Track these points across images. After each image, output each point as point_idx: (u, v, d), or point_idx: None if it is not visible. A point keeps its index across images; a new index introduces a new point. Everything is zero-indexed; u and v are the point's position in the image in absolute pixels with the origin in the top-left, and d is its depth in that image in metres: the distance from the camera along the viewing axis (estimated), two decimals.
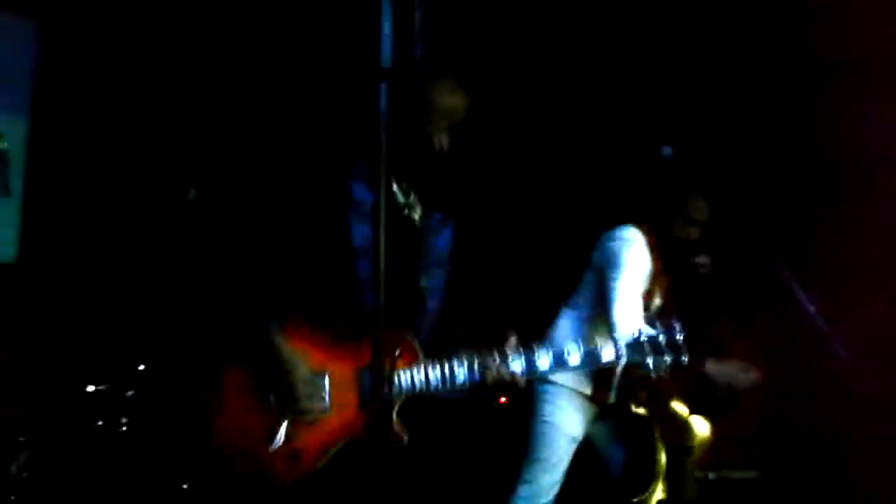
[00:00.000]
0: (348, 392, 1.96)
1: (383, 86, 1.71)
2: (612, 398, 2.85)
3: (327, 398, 1.96)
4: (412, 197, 2.10)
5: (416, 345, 1.99)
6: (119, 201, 3.84)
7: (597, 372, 2.82)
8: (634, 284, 2.75)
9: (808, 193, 3.22)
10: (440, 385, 1.96)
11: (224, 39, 3.66)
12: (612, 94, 3.66)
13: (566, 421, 2.84)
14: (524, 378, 1.99)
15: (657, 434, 2.81)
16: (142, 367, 3.32)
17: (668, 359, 2.02)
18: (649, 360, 2.02)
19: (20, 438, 3.19)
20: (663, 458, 2.79)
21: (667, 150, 2.81)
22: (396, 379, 1.93)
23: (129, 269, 3.69)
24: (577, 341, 2.05)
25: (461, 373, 1.95)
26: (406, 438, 1.94)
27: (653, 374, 2.70)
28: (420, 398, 2.00)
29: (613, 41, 3.61)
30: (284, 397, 1.96)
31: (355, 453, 1.99)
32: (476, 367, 1.96)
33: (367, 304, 2.00)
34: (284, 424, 1.95)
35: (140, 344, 3.41)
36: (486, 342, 2.03)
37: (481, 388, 1.96)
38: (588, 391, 2.84)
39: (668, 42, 3.55)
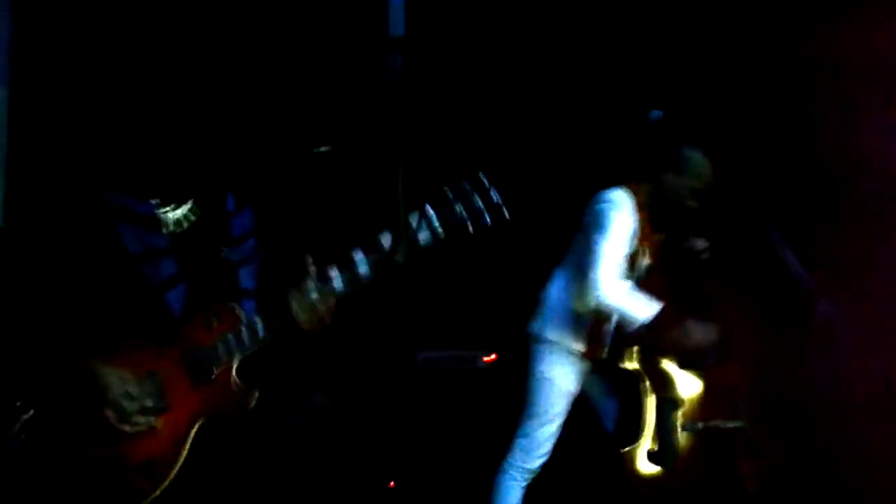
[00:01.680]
0: (181, 380, 1.94)
1: (397, 57, 1.72)
2: (604, 354, 2.95)
3: (161, 396, 1.93)
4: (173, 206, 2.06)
5: (236, 307, 1.98)
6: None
7: (589, 329, 2.92)
8: (618, 247, 2.81)
9: (808, 193, 3.27)
10: (266, 333, 1.94)
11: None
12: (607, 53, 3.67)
13: (561, 377, 2.93)
14: (340, 294, 1.93)
15: (646, 388, 2.92)
16: None
17: (479, 202, 1.89)
18: (461, 211, 1.89)
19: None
20: (652, 410, 2.90)
21: (655, 114, 2.85)
22: (222, 345, 1.93)
23: None
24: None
25: (279, 313, 1.93)
26: (252, 398, 1.94)
27: (586, 216, 2.82)
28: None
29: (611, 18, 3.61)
30: (109, 415, 1.90)
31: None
32: (288, 300, 1.93)
33: (168, 304, 1.99)
34: (118, 444, 1.89)
35: None
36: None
37: (296, 319, 1.93)
38: (582, 348, 2.93)
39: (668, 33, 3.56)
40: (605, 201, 2.87)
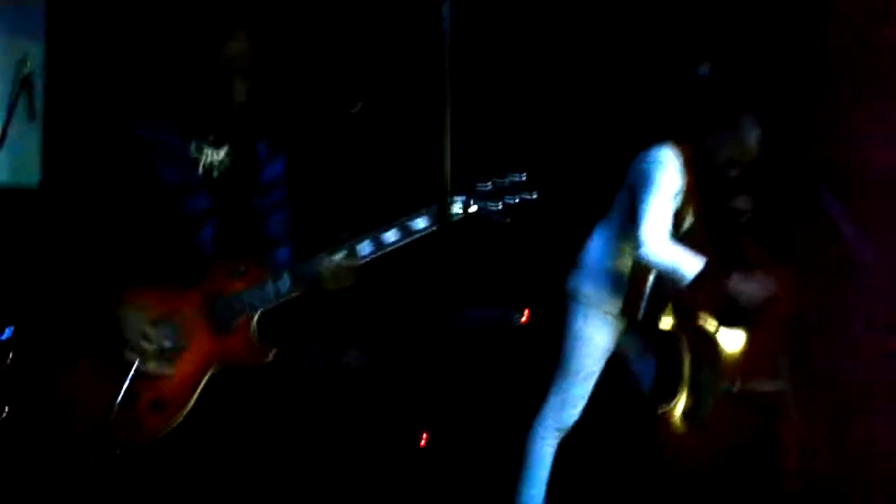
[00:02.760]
0: (200, 325, 1.96)
1: (446, 6, 1.68)
2: (641, 313, 2.90)
3: (178, 338, 1.96)
4: (209, 148, 2.06)
5: (262, 261, 2.00)
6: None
7: (628, 288, 2.88)
8: (664, 204, 2.76)
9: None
10: (292, 290, 1.96)
11: None
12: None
13: (596, 335, 2.91)
14: (363, 259, 1.97)
15: (684, 347, 2.88)
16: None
17: (512, 199, 1.99)
18: (491, 206, 1.98)
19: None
20: (688, 369, 2.87)
21: (703, 69, 2.77)
22: (246, 297, 1.95)
23: None
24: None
25: (307, 273, 1.96)
26: (270, 353, 1.95)
27: (631, 172, 2.80)
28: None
29: None
30: (125, 352, 1.93)
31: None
32: (317, 262, 1.96)
33: (203, 240, 2.02)
34: (127, 381, 1.91)
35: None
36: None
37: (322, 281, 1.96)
38: (619, 306, 2.90)
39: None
40: (651, 160, 2.82)
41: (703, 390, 2.84)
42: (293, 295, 1.97)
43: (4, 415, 2.71)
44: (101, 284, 1.97)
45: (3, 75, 3.60)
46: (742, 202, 2.89)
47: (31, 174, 3.75)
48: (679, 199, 2.83)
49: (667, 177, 2.78)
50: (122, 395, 1.90)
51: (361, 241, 1.96)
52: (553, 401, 2.94)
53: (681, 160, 2.81)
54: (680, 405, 2.86)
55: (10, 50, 3.48)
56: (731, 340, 2.88)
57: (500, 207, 1.99)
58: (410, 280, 2.74)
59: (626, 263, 2.88)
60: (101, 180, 2.02)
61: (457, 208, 1.96)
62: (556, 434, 2.93)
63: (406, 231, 1.96)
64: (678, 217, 2.85)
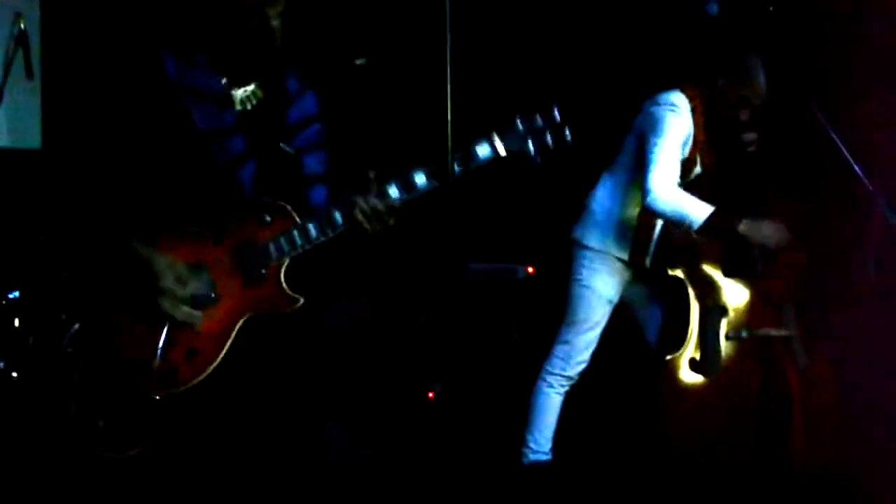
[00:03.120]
0: (230, 275, 1.95)
1: None
2: (648, 262, 2.90)
3: (209, 287, 1.95)
4: (241, 87, 2.03)
5: (290, 209, 1.97)
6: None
7: (634, 236, 2.87)
8: (673, 150, 2.74)
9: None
10: (320, 235, 1.94)
11: None
12: None
13: (603, 284, 2.90)
14: (400, 201, 1.94)
15: (691, 295, 2.86)
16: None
17: (548, 139, 1.96)
18: (529, 144, 1.96)
19: (63, 316, 3.28)
20: (696, 318, 2.85)
21: (712, 7, 2.71)
22: (273, 245, 1.93)
23: None
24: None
25: (337, 216, 1.94)
26: (298, 303, 1.94)
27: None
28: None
29: None
30: (159, 301, 1.93)
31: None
32: (349, 204, 1.94)
33: (242, 180, 1.99)
34: (165, 329, 1.92)
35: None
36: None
37: (357, 223, 1.93)
38: (625, 255, 2.89)
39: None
40: (661, 103, 2.79)
41: (710, 338, 2.82)
42: (322, 240, 1.95)
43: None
44: (134, 232, 1.96)
45: None
46: (748, 135, 2.83)
47: (31, 137, 3.72)
48: (688, 146, 2.81)
49: (678, 121, 2.75)
50: (161, 344, 1.92)
51: (391, 182, 1.94)
52: (559, 350, 2.95)
53: (691, 105, 2.78)
54: (687, 354, 2.84)
55: (2, 7, 3.44)
56: (739, 288, 2.86)
57: (534, 148, 1.96)
58: (418, 235, 2.72)
59: (633, 211, 2.85)
60: (133, 126, 1.99)
61: (485, 151, 1.93)
62: (564, 383, 2.94)
63: (436, 175, 1.93)
64: (687, 164, 2.82)
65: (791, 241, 2.76)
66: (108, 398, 1.97)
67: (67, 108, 3.80)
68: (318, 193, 2.04)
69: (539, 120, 1.96)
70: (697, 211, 2.66)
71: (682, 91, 2.80)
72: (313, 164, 2.05)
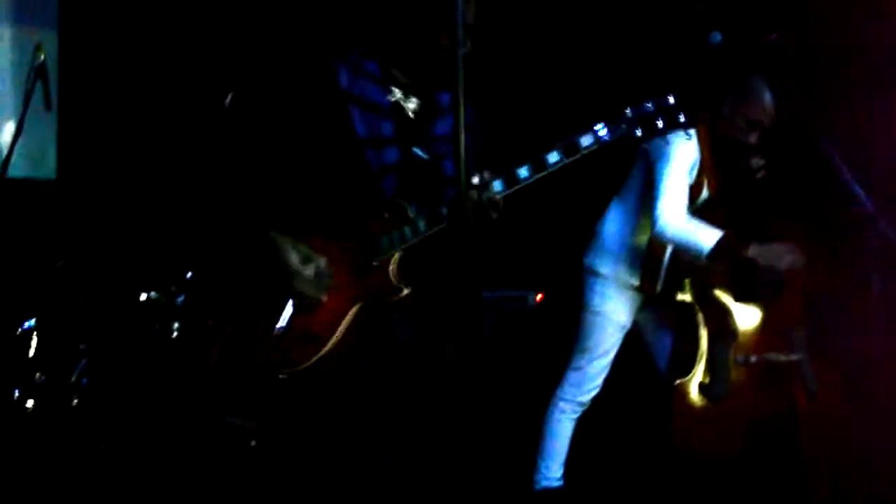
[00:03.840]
0: (346, 265, 2.05)
1: None
2: (658, 287, 2.91)
3: (329, 273, 2.04)
4: (408, 92, 2.13)
5: (406, 206, 2.04)
6: (149, 115, 3.85)
7: (644, 262, 2.89)
8: (681, 177, 2.77)
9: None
10: (427, 228, 2.01)
11: None
12: None
13: (614, 310, 2.93)
14: (502, 195, 1.99)
15: (700, 320, 2.87)
16: (189, 275, 3.40)
17: (660, 123, 2.01)
18: (637, 131, 2.01)
19: (80, 346, 3.32)
20: (705, 343, 2.86)
21: (716, 37, 2.76)
22: (386, 238, 2.02)
23: (166, 178, 3.73)
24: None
25: (443, 210, 2.00)
26: (407, 289, 2.03)
27: (647, 146, 2.80)
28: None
29: None
30: (286, 284, 2.03)
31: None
32: (455, 199, 1.95)
33: (385, 187, 2.08)
34: (288, 309, 2.03)
35: (185, 251, 3.48)
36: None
37: (463, 217, 1.92)
38: (636, 281, 2.92)
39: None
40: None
41: (719, 363, 2.83)
42: (431, 232, 2.02)
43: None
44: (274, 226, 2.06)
45: (17, 66, 3.65)
46: (756, 161, 2.86)
47: (47, 167, 3.78)
48: (695, 171, 2.83)
49: (685, 147, 2.76)
50: (283, 323, 2.04)
51: (497, 176, 2.00)
52: (571, 376, 2.96)
53: (697, 132, 2.80)
54: (696, 378, 2.86)
55: (22, 38, 3.51)
56: (748, 313, 2.88)
57: (642, 133, 2.00)
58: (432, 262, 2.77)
59: (643, 238, 2.89)
60: (298, 128, 2.07)
61: (587, 141, 1.99)
62: (576, 409, 2.96)
63: (539, 165, 1.99)
64: (694, 190, 2.85)
65: (802, 263, 2.78)
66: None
67: (83, 139, 3.87)
68: (451, 194, 2.11)
69: (650, 106, 2.01)
70: (706, 237, 2.69)
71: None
72: (452, 168, 2.12)
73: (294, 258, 2.02)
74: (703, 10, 2.95)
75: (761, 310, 2.87)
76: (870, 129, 3.16)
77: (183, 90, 3.77)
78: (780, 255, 2.75)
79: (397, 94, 2.10)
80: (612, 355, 2.95)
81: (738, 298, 2.86)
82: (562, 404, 2.95)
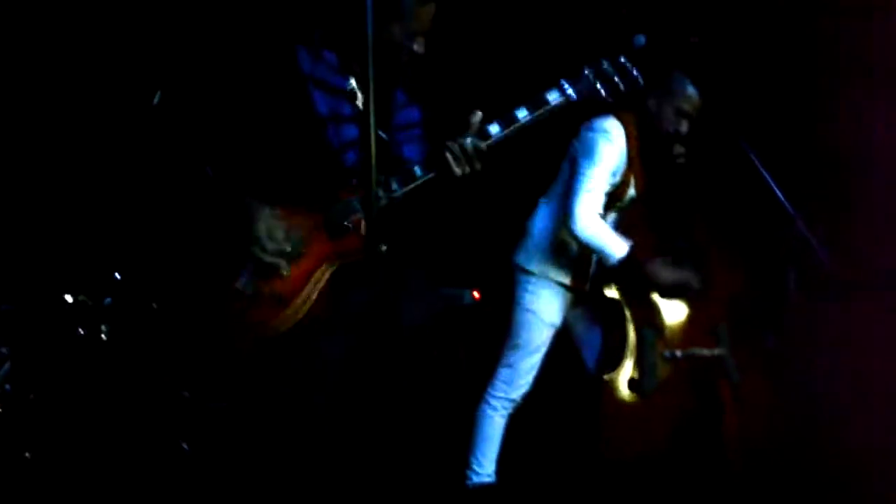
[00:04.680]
0: (319, 232, 2.08)
1: None
2: (588, 286, 2.97)
3: (298, 245, 2.06)
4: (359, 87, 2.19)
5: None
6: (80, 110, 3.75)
7: (574, 262, 2.93)
8: (602, 179, 2.80)
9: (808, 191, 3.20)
10: (400, 187, 2.06)
11: None
12: None
13: (546, 309, 2.95)
14: (496, 139, 2.06)
15: (628, 316, 2.93)
16: (118, 276, 3.34)
17: (619, 82, 2.12)
18: (601, 88, 2.11)
19: (2, 350, 3.22)
20: (633, 338, 2.92)
21: (640, 39, 2.81)
22: (357, 199, 2.05)
23: (97, 178, 3.65)
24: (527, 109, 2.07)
25: (417, 169, 2.07)
26: (382, 248, 2.00)
27: (574, 145, 2.87)
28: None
29: None
30: (253, 247, 2.06)
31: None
32: (437, 149, 2.06)
33: (344, 162, 2.14)
34: (250, 269, 2.05)
35: (113, 252, 3.41)
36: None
37: (447, 168, 2.04)
38: (567, 281, 2.95)
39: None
40: (595, 129, 2.84)
41: (648, 358, 2.89)
42: (403, 191, 2.06)
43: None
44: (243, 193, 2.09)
45: None
46: (676, 147, 2.89)
47: None
48: (620, 173, 2.87)
49: (609, 148, 2.81)
50: (245, 288, 2.06)
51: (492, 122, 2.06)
52: (503, 373, 2.98)
53: (625, 130, 2.84)
54: (625, 373, 2.91)
55: None
56: (674, 309, 2.95)
57: (605, 91, 2.10)
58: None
59: (572, 237, 2.90)
60: (261, 108, 2.11)
61: (555, 97, 2.07)
62: (506, 406, 2.97)
63: (509, 120, 2.06)
64: (621, 189, 2.90)
65: (695, 291, 2.86)
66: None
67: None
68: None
69: (606, 64, 2.11)
70: (615, 247, 2.74)
71: (617, 116, 2.86)
72: (412, 153, 2.21)
73: (262, 227, 2.04)
74: (627, 14, 3.00)
75: (687, 306, 2.94)
76: (877, 128, 3.21)
77: (103, 85, 3.69)
78: (669, 280, 2.83)
79: (353, 83, 2.16)
80: (543, 352, 2.97)
81: (662, 295, 2.93)
82: (493, 401, 2.97)
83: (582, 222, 2.75)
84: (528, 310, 2.96)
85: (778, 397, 2.93)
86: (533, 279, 2.96)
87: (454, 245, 3.83)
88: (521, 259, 3.00)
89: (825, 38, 3.26)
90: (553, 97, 2.07)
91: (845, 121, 3.18)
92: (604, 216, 2.85)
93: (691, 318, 2.95)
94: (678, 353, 2.90)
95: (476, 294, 3.75)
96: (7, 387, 3.18)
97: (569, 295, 2.99)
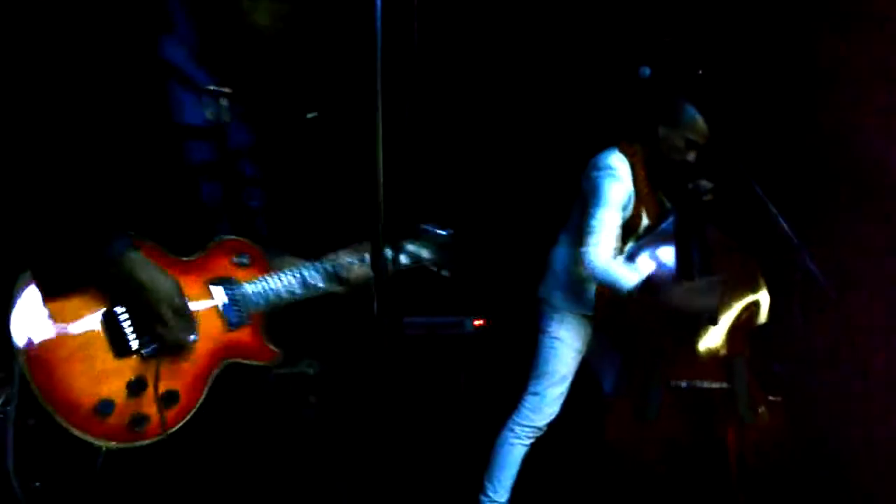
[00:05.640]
0: (210, 316, 1.78)
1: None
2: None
3: (194, 327, 1.75)
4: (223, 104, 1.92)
5: (261, 251, 1.88)
6: None
7: (597, 293, 2.96)
8: (611, 218, 2.84)
9: (807, 194, 3.29)
10: (298, 293, 1.88)
11: None
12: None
13: (571, 336, 3.01)
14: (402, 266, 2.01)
15: (636, 343, 2.91)
16: None
17: (437, 256, 2.07)
18: (425, 255, 2.06)
19: None
20: (643, 364, 2.89)
21: (645, 71, 2.89)
22: (254, 291, 1.82)
23: None
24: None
25: (318, 278, 1.91)
26: (279, 356, 1.85)
27: (582, 182, 2.86)
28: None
29: None
30: (148, 328, 1.69)
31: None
32: (334, 269, 1.93)
33: (202, 193, 1.84)
34: (155, 366, 1.69)
35: None
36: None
37: (342, 286, 1.93)
38: (590, 312, 3.01)
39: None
40: (599, 168, 2.87)
41: (652, 386, 2.89)
42: (313, 295, 1.90)
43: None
44: (101, 226, 1.68)
45: None
46: (704, 183, 2.92)
47: None
48: (631, 205, 2.92)
49: (616, 185, 2.85)
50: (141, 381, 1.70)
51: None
52: (530, 401, 3.00)
53: (629, 164, 2.89)
54: (632, 399, 2.89)
55: None
56: (685, 338, 2.95)
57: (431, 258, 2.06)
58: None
59: None
60: (109, 105, 1.73)
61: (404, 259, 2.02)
62: (531, 434, 3.00)
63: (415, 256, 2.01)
64: (634, 221, 2.95)
65: (713, 319, 2.85)
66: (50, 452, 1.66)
67: None
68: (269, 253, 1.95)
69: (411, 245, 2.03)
70: (627, 280, 2.76)
71: (620, 149, 2.90)
72: (252, 198, 1.97)
73: (170, 303, 1.69)
74: (670, 42, 3.05)
75: (698, 336, 2.94)
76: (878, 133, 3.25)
77: None
78: (684, 305, 2.77)
79: (212, 85, 1.89)
80: (569, 380, 3.01)
81: (674, 325, 2.90)
82: (518, 429, 2.99)
83: (594, 263, 2.80)
84: (555, 337, 3.00)
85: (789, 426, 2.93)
86: (559, 310, 3.02)
87: (457, 273, 3.86)
88: (545, 293, 3.06)
89: (826, 57, 3.32)
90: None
91: (849, 127, 3.25)
92: (621, 248, 2.91)
93: (702, 349, 2.93)
94: (682, 383, 2.89)
95: (478, 322, 3.74)
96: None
97: (591, 323, 3.04)
